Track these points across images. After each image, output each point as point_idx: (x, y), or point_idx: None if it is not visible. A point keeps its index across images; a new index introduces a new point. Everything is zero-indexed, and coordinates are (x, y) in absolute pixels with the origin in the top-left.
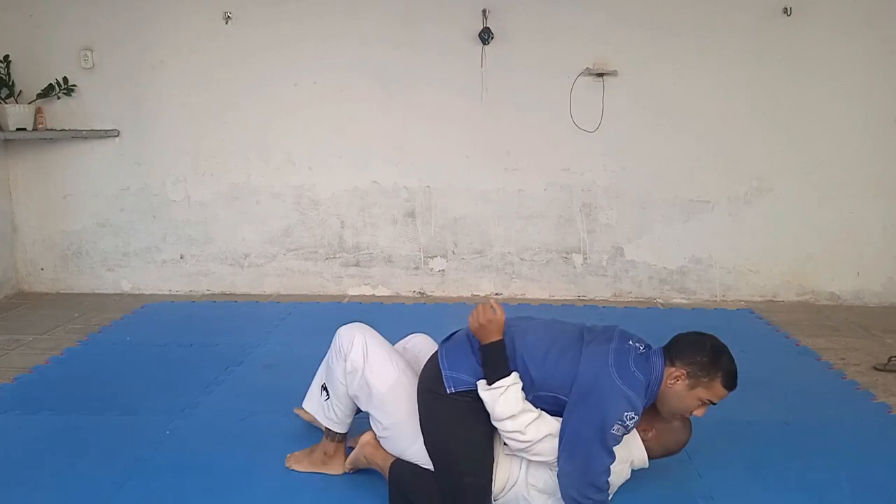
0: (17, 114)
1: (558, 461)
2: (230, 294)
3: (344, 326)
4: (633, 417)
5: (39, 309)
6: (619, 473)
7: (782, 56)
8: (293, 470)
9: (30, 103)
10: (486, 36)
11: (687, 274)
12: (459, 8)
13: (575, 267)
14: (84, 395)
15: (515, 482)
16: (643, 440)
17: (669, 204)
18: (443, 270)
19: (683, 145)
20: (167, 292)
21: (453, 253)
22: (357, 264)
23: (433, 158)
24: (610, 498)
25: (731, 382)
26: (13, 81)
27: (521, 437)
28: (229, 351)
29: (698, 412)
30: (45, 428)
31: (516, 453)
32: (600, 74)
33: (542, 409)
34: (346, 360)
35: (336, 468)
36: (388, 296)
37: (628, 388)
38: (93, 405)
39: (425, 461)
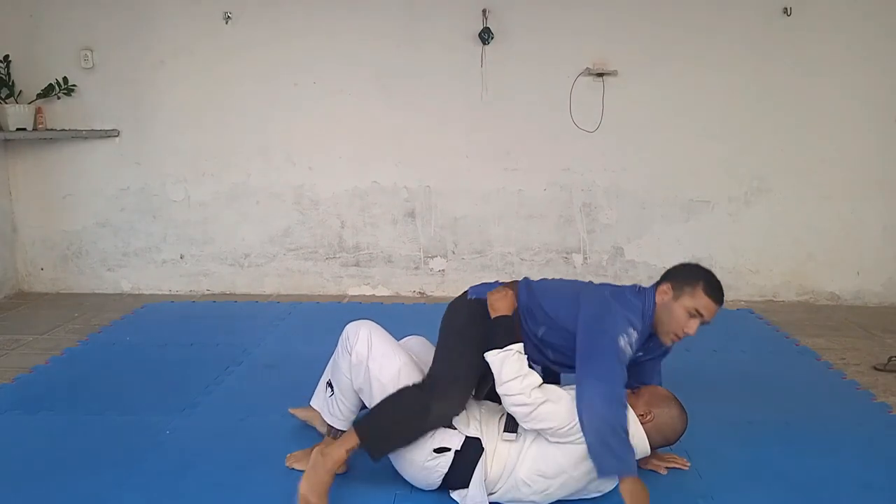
0: (17, 114)
1: (583, 389)
2: (230, 294)
3: (351, 322)
4: (635, 335)
5: (39, 309)
6: None
7: (782, 56)
8: (294, 469)
9: (30, 103)
10: (486, 36)
11: None
12: (459, 8)
13: (575, 267)
14: (84, 395)
15: (513, 470)
16: (642, 424)
17: (669, 204)
18: (443, 270)
19: (683, 145)
20: (167, 292)
21: (453, 253)
22: (357, 264)
23: (433, 158)
24: (611, 487)
25: (712, 289)
26: (13, 81)
27: (525, 400)
28: (229, 351)
29: (689, 328)
30: (45, 428)
31: (522, 422)
32: (600, 74)
33: (555, 344)
34: (351, 353)
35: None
36: (388, 296)
37: (627, 311)
38: (93, 405)
39: (421, 456)
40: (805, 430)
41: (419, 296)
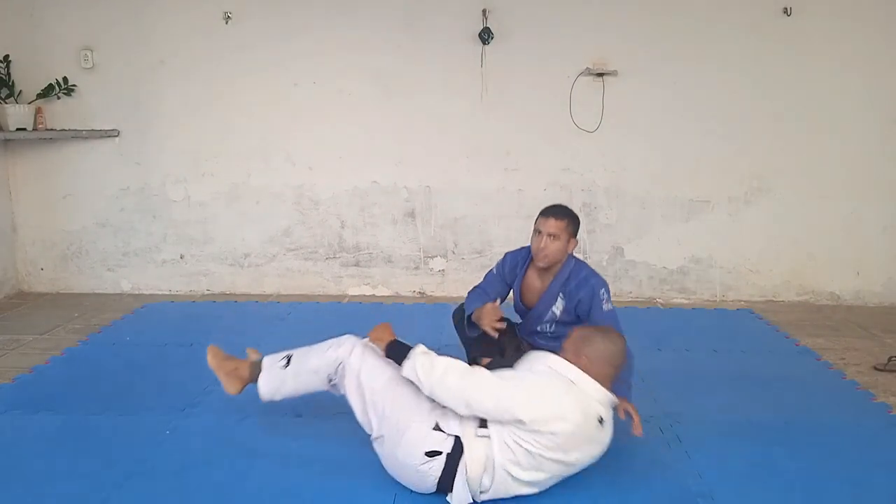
0: (17, 114)
1: None
2: (230, 294)
3: (347, 336)
4: (507, 260)
5: (39, 309)
6: (579, 423)
7: (782, 56)
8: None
9: (30, 103)
10: (486, 36)
11: (687, 274)
12: (459, 8)
13: None
14: (84, 395)
15: (495, 466)
16: (586, 370)
17: (669, 204)
18: (443, 270)
19: (683, 145)
20: (167, 292)
21: (453, 253)
22: (357, 264)
23: (433, 158)
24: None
25: (544, 209)
26: (13, 81)
27: (447, 396)
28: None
29: (533, 242)
30: (45, 428)
31: (462, 413)
32: (600, 74)
33: None
34: (342, 364)
35: (233, 388)
36: (388, 296)
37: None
38: (93, 405)
39: (413, 460)
40: (805, 430)
41: (419, 296)
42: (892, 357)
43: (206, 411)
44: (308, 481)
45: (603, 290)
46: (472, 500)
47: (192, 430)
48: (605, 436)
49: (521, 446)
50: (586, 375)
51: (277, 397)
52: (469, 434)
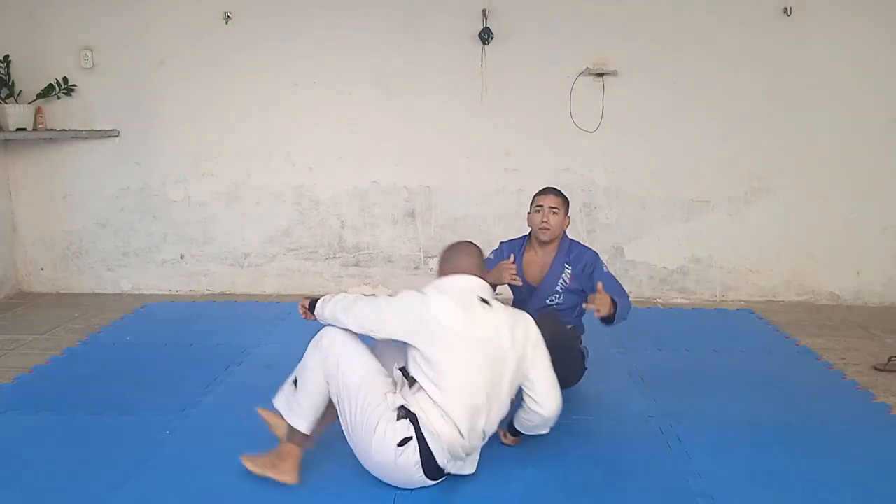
0: (17, 114)
1: None
2: (230, 294)
3: (326, 328)
4: (504, 246)
5: (39, 309)
6: (461, 307)
7: (782, 56)
8: (247, 466)
9: (30, 103)
10: (486, 36)
11: (687, 274)
12: (459, 8)
13: None
14: (84, 395)
15: (446, 410)
16: (453, 274)
17: (669, 204)
18: None
19: (683, 145)
20: (167, 292)
21: None
22: (357, 264)
23: (433, 158)
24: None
25: (540, 190)
26: (13, 81)
27: (341, 317)
28: (229, 351)
29: (535, 218)
30: (45, 428)
31: (351, 326)
32: (600, 74)
33: None
34: (325, 356)
35: (287, 474)
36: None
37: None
38: (93, 405)
39: (387, 457)
40: (805, 430)
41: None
42: (892, 357)
43: (206, 411)
44: (308, 481)
45: (599, 257)
46: (469, 453)
47: (192, 430)
48: (498, 311)
49: (434, 359)
50: (452, 276)
51: (310, 417)
52: (408, 396)
